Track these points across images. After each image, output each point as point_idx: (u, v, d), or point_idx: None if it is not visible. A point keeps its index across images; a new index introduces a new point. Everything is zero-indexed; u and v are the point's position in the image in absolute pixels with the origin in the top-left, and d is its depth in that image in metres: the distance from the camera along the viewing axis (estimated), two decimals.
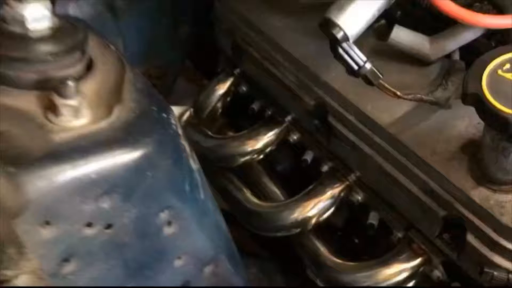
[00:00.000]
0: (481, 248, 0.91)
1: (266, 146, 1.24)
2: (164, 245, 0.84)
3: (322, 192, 1.13)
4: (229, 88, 1.36)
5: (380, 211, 1.09)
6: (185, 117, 1.39)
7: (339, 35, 0.98)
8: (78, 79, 0.78)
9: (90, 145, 0.75)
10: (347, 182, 1.13)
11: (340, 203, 1.14)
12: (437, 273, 1.02)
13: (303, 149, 1.21)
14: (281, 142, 1.24)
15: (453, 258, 0.97)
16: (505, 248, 0.89)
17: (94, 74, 0.81)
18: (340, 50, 0.98)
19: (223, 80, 1.36)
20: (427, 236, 1.00)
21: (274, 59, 1.22)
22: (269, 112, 1.27)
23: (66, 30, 0.81)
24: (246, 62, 1.30)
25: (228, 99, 1.37)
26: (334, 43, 0.99)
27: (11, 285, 0.73)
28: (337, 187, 1.13)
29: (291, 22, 1.23)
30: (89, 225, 0.76)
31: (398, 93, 1.00)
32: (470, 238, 0.92)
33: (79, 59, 0.80)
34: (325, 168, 1.17)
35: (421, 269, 1.03)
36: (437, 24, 1.07)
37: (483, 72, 0.87)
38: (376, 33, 1.08)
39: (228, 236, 0.94)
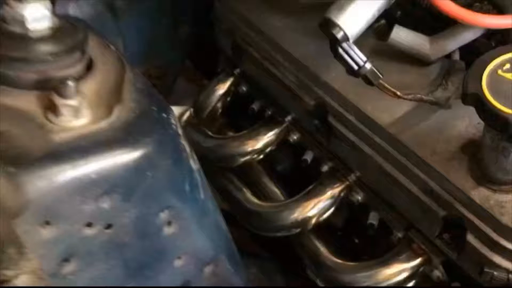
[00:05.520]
0: (481, 248, 0.91)
1: (266, 146, 1.24)
2: (164, 245, 0.84)
3: (322, 192, 1.13)
4: (229, 88, 1.36)
5: (380, 211, 1.09)
6: (185, 117, 1.38)
7: (339, 35, 0.98)
8: (78, 79, 0.78)
9: (90, 145, 0.75)
10: (347, 182, 1.13)
11: (340, 203, 1.14)
12: (437, 273, 1.01)
13: (303, 149, 1.21)
14: (281, 142, 1.24)
15: (453, 258, 0.97)
16: (505, 248, 0.89)
17: (94, 74, 0.81)
18: (340, 50, 0.98)
19: (223, 80, 1.36)
20: (427, 236, 1.00)
21: (274, 59, 1.21)
22: (269, 112, 1.27)
23: (66, 30, 0.81)
24: (246, 62, 1.30)
25: (228, 99, 1.37)
26: (334, 43, 0.99)
27: (11, 285, 0.73)
28: (337, 187, 1.13)
29: (291, 22, 1.23)
30: (89, 225, 0.76)
31: (398, 93, 1.00)
32: (470, 238, 0.92)
33: (79, 59, 0.80)
34: (325, 168, 1.17)
35: (421, 269, 1.03)
36: (437, 24, 1.07)
37: (483, 72, 0.87)
38: (376, 33, 1.08)
39: (228, 236, 0.94)
